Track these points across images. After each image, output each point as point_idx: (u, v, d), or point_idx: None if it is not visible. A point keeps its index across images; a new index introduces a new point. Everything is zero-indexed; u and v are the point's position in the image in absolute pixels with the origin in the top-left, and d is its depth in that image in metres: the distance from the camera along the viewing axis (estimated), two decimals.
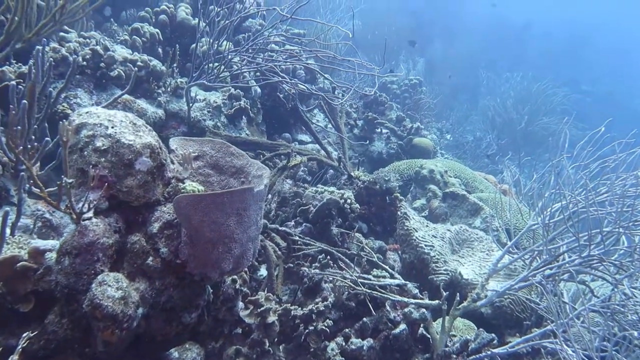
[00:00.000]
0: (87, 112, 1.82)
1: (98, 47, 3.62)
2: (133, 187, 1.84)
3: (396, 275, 3.39)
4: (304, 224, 4.02)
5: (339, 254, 3.67)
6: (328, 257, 3.54)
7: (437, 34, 18.28)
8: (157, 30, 4.96)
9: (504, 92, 12.55)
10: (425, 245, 3.65)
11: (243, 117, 4.91)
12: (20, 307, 1.65)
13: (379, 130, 7.55)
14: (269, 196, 4.11)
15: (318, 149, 5.67)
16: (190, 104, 4.24)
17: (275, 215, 4.08)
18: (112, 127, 1.80)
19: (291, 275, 3.52)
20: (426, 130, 8.50)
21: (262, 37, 4.30)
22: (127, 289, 1.75)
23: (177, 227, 1.95)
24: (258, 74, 4.72)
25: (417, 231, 3.83)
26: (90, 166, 1.71)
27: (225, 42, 5.06)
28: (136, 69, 3.74)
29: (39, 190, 1.53)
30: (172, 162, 2.12)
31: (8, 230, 2.01)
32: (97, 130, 1.77)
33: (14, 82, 2.05)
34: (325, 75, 5.14)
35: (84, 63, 3.56)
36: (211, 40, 4.07)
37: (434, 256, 3.59)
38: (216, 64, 4.28)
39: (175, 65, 4.80)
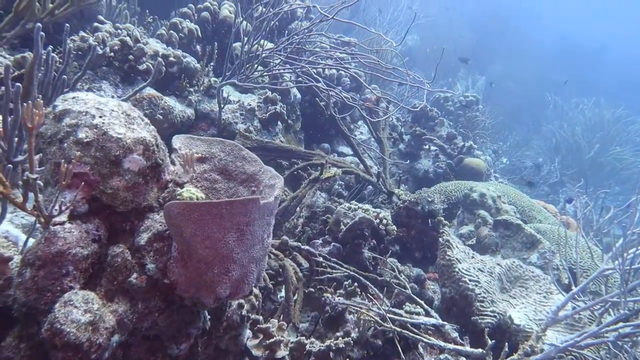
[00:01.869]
0: (73, 98, 1.59)
1: (128, 39, 3.49)
2: (119, 189, 1.58)
3: (433, 313, 2.96)
4: (333, 243, 3.68)
5: (368, 281, 3.30)
6: (355, 283, 3.18)
7: (499, 52, 17.60)
8: (196, 26, 4.84)
9: (572, 118, 11.73)
10: (470, 280, 3.19)
11: (278, 122, 4.66)
12: None
13: (427, 146, 7.10)
14: (297, 209, 3.80)
15: (357, 163, 5.33)
16: (222, 105, 4.04)
17: (302, 231, 3.76)
18: (100, 117, 1.56)
19: (312, 301, 3.17)
20: (479, 151, 7.93)
21: (304, 37, 4.05)
22: (100, 312, 1.48)
23: (169, 241, 1.67)
24: (299, 78, 4.47)
25: (460, 262, 3.39)
26: (68, 161, 1.47)
27: (264, 42, 4.86)
28: (160, 61, 3.57)
29: (0, 186, 1.30)
30: (173, 163, 1.86)
31: None
32: (81, 119, 1.53)
33: (7, 62, 1.86)
34: (368, 86, 4.81)
35: (112, 54, 3.44)
36: (246, 39, 3.86)
37: (480, 294, 3.13)
38: (254, 65, 4.08)
39: (211, 64, 4.65)
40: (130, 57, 3.53)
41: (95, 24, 3.84)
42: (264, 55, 3.68)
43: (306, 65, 3.63)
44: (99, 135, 1.53)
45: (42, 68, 2.43)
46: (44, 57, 2.59)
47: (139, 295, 1.63)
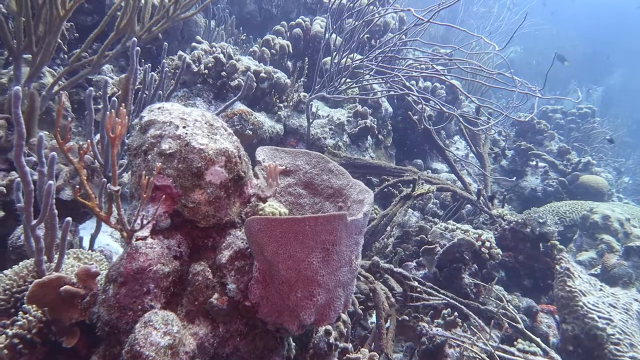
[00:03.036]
0: (159, 108, 1.57)
1: (221, 56, 3.59)
2: (201, 203, 1.51)
3: (553, 354, 2.54)
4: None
5: (470, 311, 2.95)
6: (455, 313, 2.86)
7: (619, 62, 15.86)
8: (288, 42, 4.91)
9: None
10: (599, 318, 2.70)
11: (368, 137, 4.50)
12: (63, 341, 1.41)
13: (534, 162, 6.46)
14: (388, 229, 3.58)
15: (454, 180, 4.96)
16: (311, 120, 3.99)
17: (393, 252, 3.52)
18: (184, 127, 1.51)
19: (406, 329, 2.91)
20: (599, 167, 7.04)
21: (396, 45, 3.87)
22: (179, 334, 1.40)
23: (251, 259, 1.57)
24: (391, 90, 4.29)
25: (585, 295, 2.89)
26: (152, 173, 1.43)
27: (354, 55, 4.77)
28: (251, 76, 3.61)
29: (87, 200, 1.29)
30: (256, 176, 1.77)
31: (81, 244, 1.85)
32: (165, 130, 1.50)
33: (107, 78, 1.92)
34: (468, 95, 4.47)
35: (206, 71, 3.55)
36: (336, 52, 3.78)
37: (613, 335, 2.63)
38: (343, 77, 3.99)
39: (302, 79, 4.66)
40: (223, 73, 3.62)
41: (193, 43, 4.04)
42: (354, 65, 3.56)
43: (397, 74, 3.43)
44: (182, 147, 1.48)
45: (141, 85, 2.54)
46: (140, 73, 2.71)
47: (219, 317, 1.54)
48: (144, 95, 2.79)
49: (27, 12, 2.09)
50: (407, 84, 3.74)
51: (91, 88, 2.00)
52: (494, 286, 3.53)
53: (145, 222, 1.40)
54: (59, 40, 3.55)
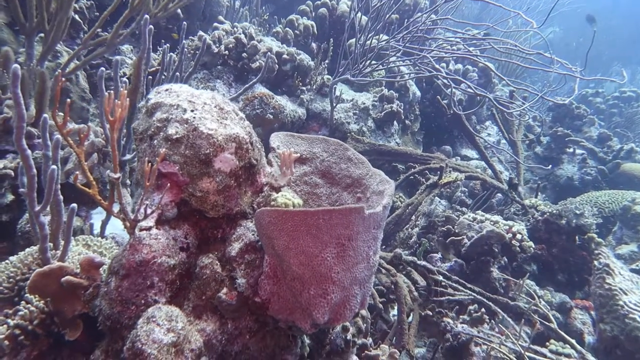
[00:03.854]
0: (166, 90, 1.48)
1: (242, 36, 3.48)
2: (209, 192, 1.42)
3: (589, 357, 2.38)
4: (454, 259, 3.24)
5: (499, 307, 2.80)
6: (482, 309, 2.73)
7: None
8: (312, 23, 4.75)
9: None
10: None
11: (394, 122, 4.34)
12: (66, 334, 1.36)
13: (571, 149, 6.14)
14: (412, 218, 3.44)
15: (484, 168, 4.75)
16: (335, 104, 3.85)
17: (418, 243, 3.38)
18: (192, 111, 1.42)
19: (429, 325, 2.79)
20: None
21: (425, 24, 3.67)
22: (184, 331, 1.33)
23: (262, 252, 1.48)
24: (419, 74, 4.10)
25: (626, 294, 2.70)
26: (156, 160, 1.34)
27: (381, 36, 4.58)
28: (272, 57, 3.48)
29: (87, 186, 1.21)
30: (270, 164, 1.66)
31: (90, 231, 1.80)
32: (172, 114, 1.41)
33: (117, 58, 1.85)
34: (502, 77, 4.24)
35: (226, 52, 3.45)
36: (361, 32, 3.61)
37: None
38: (368, 60, 3.82)
39: (326, 61, 4.51)
40: (244, 54, 3.52)
41: (215, 23, 3.94)
42: (379, 46, 3.38)
43: (426, 55, 3.24)
44: (189, 131, 1.39)
45: (159, 67, 2.46)
46: (159, 54, 2.62)
47: (228, 313, 1.46)
48: (162, 77, 2.72)
49: None
50: (437, 66, 3.54)
51: (103, 68, 1.93)
52: (525, 281, 3.36)
53: (149, 211, 1.32)
54: (79, 19, 3.51)
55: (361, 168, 1.67)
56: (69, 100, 1.18)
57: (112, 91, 1.26)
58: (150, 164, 1.27)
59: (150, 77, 3.03)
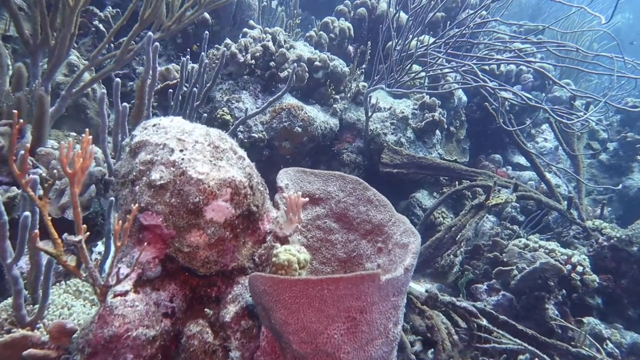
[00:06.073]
0: (154, 125, 1.30)
1: (270, 44, 3.29)
2: (199, 247, 1.23)
3: None
4: (502, 292, 2.91)
5: (556, 355, 2.46)
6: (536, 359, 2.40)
7: None
8: (349, 25, 4.50)
9: None
10: None
11: (437, 132, 4.02)
12: None
13: None
14: (455, 244, 3.13)
15: (539, 180, 4.33)
16: (370, 114, 3.59)
17: (460, 271, 3.07)
18: (181, 151, 1.23)
19: None
20: None
21: (471, 25, 3.34)
22: None
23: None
24: (468, 77, 3.76)
25: None
26: (135, 208, 1.16)
27: (425, 37, 4.27)
28: (299, 67, 3.27)
29: (52, 241, 1.05)
30: (277, 206, 1.45)
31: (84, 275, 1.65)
32: (157, 155, 1.22)
33: (118, 80, 1.70)
34: (557, 82, 3.82)
35: (252, 62, 3.27)
36: (398, 39, 3.32)
37: None
38: (405, 67, 3.53)
39: (363, 66, 4.25)
40: (272, 63, 3.33)
41: (245, 29, 3.78)
42: (418, 53, 3.09)
43: (469, 64, 2.92)
44: (176, 176, 1.20)
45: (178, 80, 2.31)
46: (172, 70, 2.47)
47: None
48: (182, 91, 2.58)
49: (40, 3, 1.92)
50: (481, 74, 3.21)
51: (103, 90, 1.79)
52: (586, 318, 2.98)
53: (126, 271, 1.14)
54: (103, 29, 3.45)
55: (383, 212, 1.42)
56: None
57: (71, 139, 1.08)
58: (127, 217, 1.09)
59: (170, 90, 2.92)
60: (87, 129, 1.08)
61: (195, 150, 1.25)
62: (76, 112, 2.73)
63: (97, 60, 2.11)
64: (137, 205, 1.20)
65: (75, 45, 3.39)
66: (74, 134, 2.41)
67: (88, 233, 1.07)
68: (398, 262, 1.30)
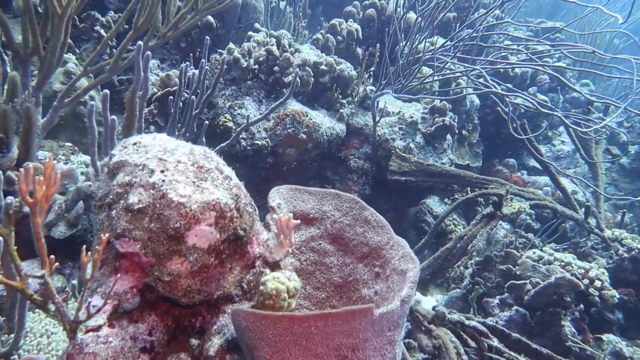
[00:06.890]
0: (134, 144, 1.22)
1: (274, 48, 3.21)
2: (181, 275, 1.15)
3: None
4: (515, 307, 2.78)
5: None
6: None
7: None
8: (357, 27, 4.39)
9: None
10: None
11: (447, 137, 3.89)
12: None
13: None
14: (465, 255, 3.01)
15: (554, 188, 4.18)
16: (378, 118, 3.49)
17: (470, 284, 2.95)
18: (162, 172, 1.15)
19: None
20: None
21: (484, 26, 3.21)
22: None
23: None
24: (480, 79, 3.63)
25: None
26: (105, 237, 1.09)
27: (436, 39, 4.15)
28: (304, 72, 3.17)
29: (16, 272, 0.98)
30: (268, 228, 1.36)
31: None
32: (136, 176, 1.14)
33: (106, 92, 1.63)
34: (572, 86, 3.68)
35: (256, 67, 3.19)
36: (406, 41, 3.21)
37: None
38: (412, 71, 3.42)
39: (371, 69, 4.14)
40: (276, 68, 3.24)
41: (250, 32, 3.70)
42: (425, 57, 2.98)
43: (478, 68, 2.80)
44: (156, 199, 1.12)
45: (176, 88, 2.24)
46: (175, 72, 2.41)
47: None
48: (181, 98, 2.51)
49: (29, 10, 1.86)
50: (490, 79, 3.08)
51: (92, 102, 1.72)
52: (606, 336, 2.84)
53: (98, 305, 1.06)
54: (104, 34, 3.40)
55: (381, 234, 1.32)
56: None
57: (31, 165, 1.01)
58: (105, 242, 1.01)
59: (171, 97, 2.85)
60: (49, 154, 1.00)
61: (177, 171, 1.16)
62: (74, 120, 2.68)
63: (93, 68, 2.05)
64: (109, 232, 1.13)
65: (77, 51, 3.36)
66: (70, 144, 2.35)
67: (57, 264, 0.99)
68: (396, 291, 1.20)
